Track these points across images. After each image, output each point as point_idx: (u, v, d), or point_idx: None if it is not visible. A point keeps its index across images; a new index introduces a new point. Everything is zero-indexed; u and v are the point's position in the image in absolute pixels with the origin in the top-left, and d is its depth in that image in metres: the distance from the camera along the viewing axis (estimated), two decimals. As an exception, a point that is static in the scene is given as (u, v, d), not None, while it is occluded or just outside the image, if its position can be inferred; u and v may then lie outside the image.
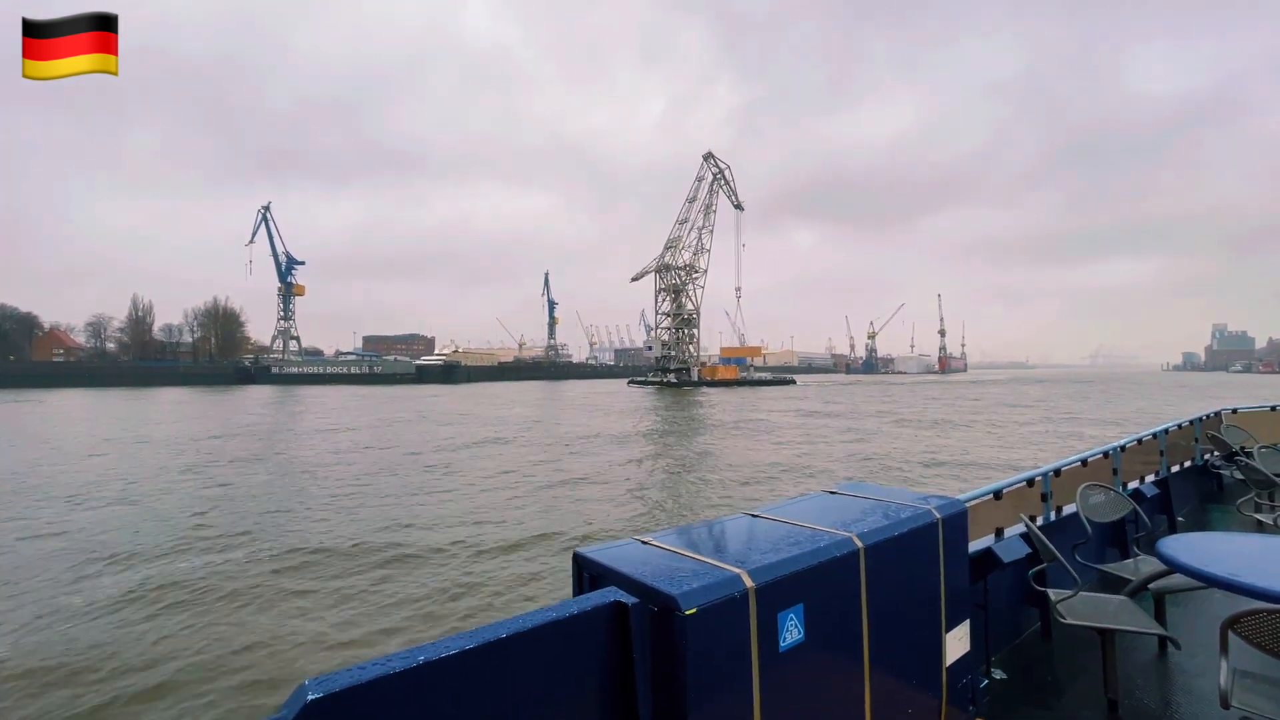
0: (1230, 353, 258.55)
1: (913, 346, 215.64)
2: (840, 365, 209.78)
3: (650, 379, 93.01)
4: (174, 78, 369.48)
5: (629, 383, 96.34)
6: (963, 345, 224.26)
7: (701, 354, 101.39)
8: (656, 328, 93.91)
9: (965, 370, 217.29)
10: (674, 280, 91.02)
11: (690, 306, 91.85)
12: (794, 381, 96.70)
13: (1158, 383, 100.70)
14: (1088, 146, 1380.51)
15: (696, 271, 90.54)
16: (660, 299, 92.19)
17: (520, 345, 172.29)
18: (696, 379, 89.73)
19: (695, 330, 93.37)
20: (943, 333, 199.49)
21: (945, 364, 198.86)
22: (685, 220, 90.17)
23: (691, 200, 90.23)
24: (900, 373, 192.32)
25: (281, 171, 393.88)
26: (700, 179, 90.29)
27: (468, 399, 59.05)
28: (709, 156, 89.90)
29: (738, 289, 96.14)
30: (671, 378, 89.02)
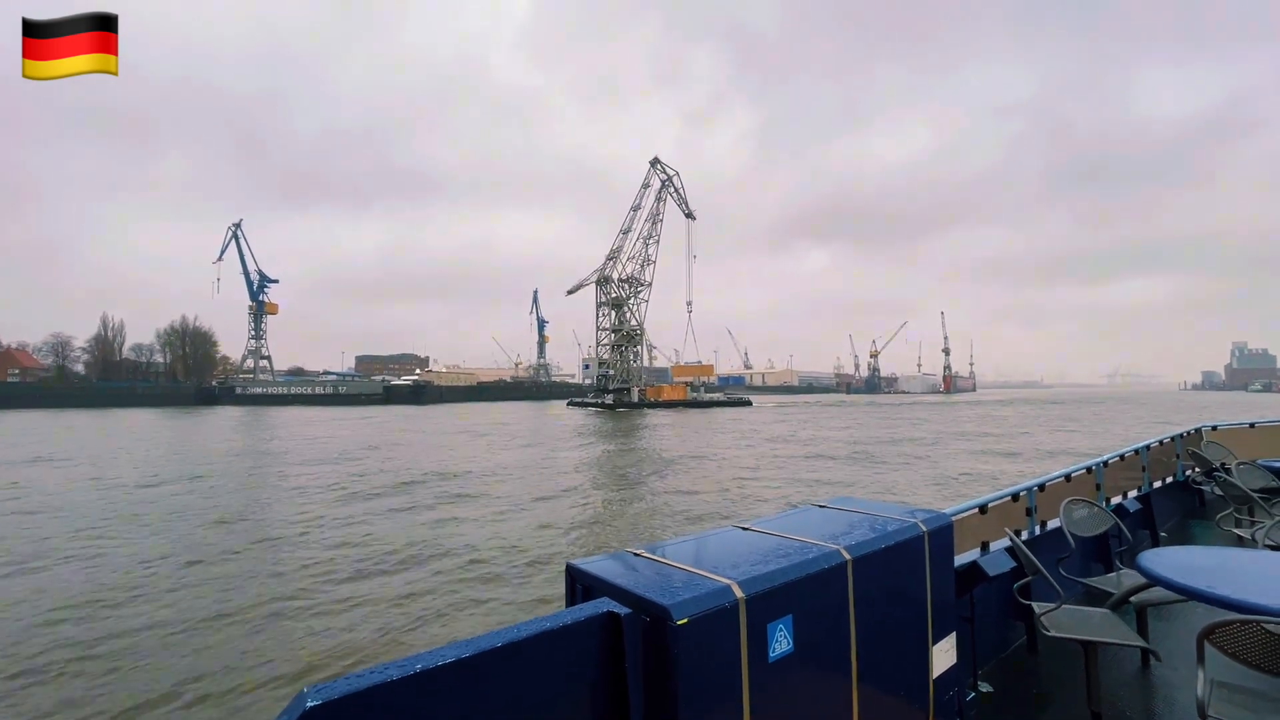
0: (1251, 371, 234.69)
1: (919, 366, 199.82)
2: (842, 385, 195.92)
3: (588, 400, 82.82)
4: (212, 109, 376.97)
5: (568, 404, 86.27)
6: (970, 364, 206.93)
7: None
8: (597, 345, 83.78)
9: (974, 390, 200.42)
10: (615, 294, 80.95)
11: (634, 322, 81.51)
12: (749, 403, 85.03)
13: (1165, 403, 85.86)
14: (1099, 165, 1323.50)
15: (641, 285, 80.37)
16: (601, 314, 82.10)
17: (516, 365, 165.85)
18: (638, 400, 79.01)
19: (639, 348, 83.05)
20: (947, 351, 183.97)
21: (950, 383, 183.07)
22: (629, 230, 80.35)
23: (636, 208, 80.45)
24: (903, 392, 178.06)
25: (304, 195, 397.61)
26: (647, 185, 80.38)
27: (361, 426, 50.47)
28: (655, 162, 79.73)
29: (689, 303, 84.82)
30: (609, 399, 78.54)
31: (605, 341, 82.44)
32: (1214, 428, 8.51)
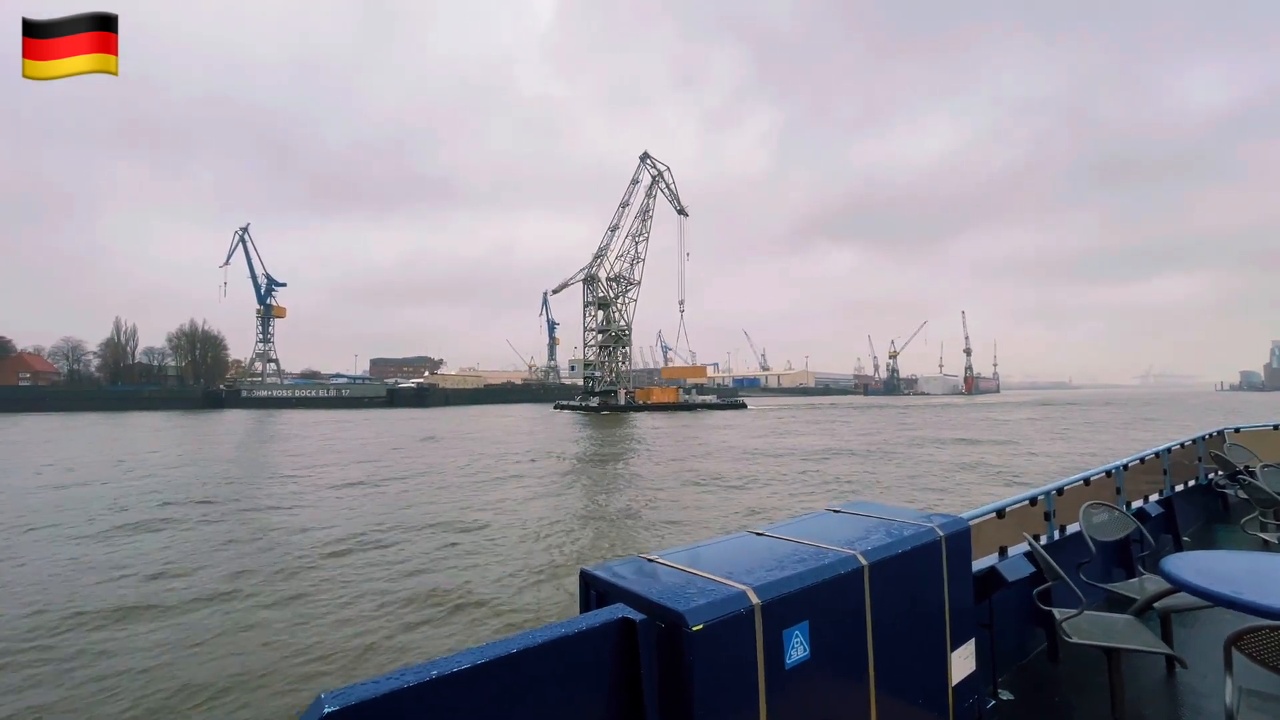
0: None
1: (941, 367, 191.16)
2: (860, 386, 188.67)
3: (574, 403, 78.97)
4: (244, 121, 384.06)
5: (554, 406, 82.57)
6: (994, 365, 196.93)
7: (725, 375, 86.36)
8: (584, 346, 79.89)
9: (998, 391, 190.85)
10: (602, 293, 77.07)
11: (622, 322, 77.46)
12: (744, 406, 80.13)
13: (1190, 405, 77.75)
14: (1130, 161, 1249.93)
15: (630, 284, 76.31)
16: (587, 314, 78.27)
17: (529, 366, 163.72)
18: (624, 403, 74.92)
19: (626, 349, 78.77)
20: (968, 352, 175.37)
21: (971, 384, 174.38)
22: (617, 227, 76.46)
23: (625, 205, 76.55)
24: (923, 394, 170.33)
25: (331, 203, 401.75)
26: (636, 181, 76.43)
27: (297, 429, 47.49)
28: (645, 157, 75.94)
29: (681, 302, 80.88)
30: (594, 401, 74.60)
31: (592, 342, 78.73)
32: (1237, 430, 8.15)
